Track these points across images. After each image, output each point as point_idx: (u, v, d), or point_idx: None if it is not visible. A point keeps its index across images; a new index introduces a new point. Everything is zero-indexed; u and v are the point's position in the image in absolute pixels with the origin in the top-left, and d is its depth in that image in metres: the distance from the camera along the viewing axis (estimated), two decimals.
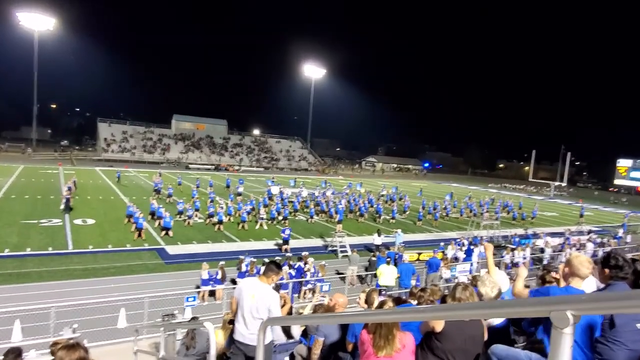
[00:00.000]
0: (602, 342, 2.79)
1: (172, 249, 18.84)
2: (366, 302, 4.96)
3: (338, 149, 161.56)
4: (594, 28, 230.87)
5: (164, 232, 20.80)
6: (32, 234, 19.42)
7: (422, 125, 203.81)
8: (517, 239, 23.07)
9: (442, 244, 20.73)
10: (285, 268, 14.48)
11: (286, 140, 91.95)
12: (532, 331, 4.74)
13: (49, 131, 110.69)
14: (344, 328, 4.46)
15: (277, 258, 15.53)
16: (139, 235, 19.86)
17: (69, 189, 27.23)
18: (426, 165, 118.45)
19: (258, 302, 4.42)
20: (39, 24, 62.22)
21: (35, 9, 61.76)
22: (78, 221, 22.51)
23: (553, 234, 26.69)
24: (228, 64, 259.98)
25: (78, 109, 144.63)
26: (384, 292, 11.38)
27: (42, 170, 45.07)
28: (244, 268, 14.65)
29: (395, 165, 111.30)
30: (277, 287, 13.97)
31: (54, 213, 23.85)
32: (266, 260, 15.72)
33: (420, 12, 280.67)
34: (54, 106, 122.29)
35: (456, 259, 18.71)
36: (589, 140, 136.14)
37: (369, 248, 20.79)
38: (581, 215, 36.28)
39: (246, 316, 4.45)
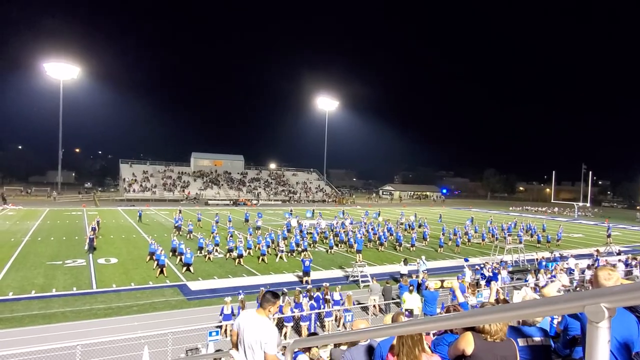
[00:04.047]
0: None
1: (193, 285, 18.85)
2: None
3: (354, 179, 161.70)
4: (609, 43, 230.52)
5: (185, 268, 20.87)
6: (58, 274, 19.73)
7: (437, 152, 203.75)
8: (543, 263, 22.35)
9: (464, 269, 20.23)
10: (305, 300, 14.30)
11: (303, 172, 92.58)
12: (568, 354, 4.55)
13: (73, 174, 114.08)
14: (370, 354, 4.37)
15: (297, 289, 15.40)
16: (161, 272, 19.97)
17: (93, 229, 27.76)
18: (444, 191, 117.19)
19: (255, 336, 4.13)
20: (64, 73, 65.39)
21: (60, 59, 65.12)
22: (102, 260, 22.81)
23: (581, 256, 25.82)
24: (242, 100, 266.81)
25: (100, 152, 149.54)
26: (407, 314, 11.10)
27: (67, 212, 46.19)
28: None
29: (412, 193, 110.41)
30: (297, 320, 13.79)
31: (78, 253, 24.26)
32: (285, 291, 15.64)
33: (430, 39, 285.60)
34: (77, 150, 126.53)
35: (477, 284, 18.20)
36: (611, 158, 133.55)
37: (394, 277, 20.40)
38: (609, 235, 35.12)
39: (247, 351, 4.19)
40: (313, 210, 49.66)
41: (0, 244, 26.48)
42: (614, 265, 20.96)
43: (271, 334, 4.12)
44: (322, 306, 14.45)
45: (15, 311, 14.69)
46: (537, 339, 3.68)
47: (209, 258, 23.61)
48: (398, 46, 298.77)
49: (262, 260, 23.57)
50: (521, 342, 3.65)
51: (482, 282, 18.60)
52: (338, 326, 14.35)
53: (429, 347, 3.62)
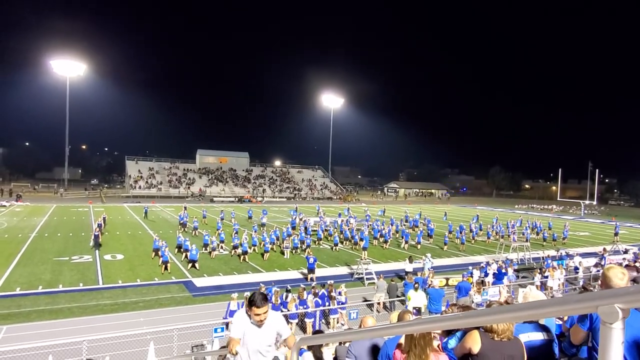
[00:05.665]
0: None
1: (198, 282, 18.93)
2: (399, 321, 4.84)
3: (359, 177, 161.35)
4: (613, 40, 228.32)
5: (190, 265, 20.96)
6: (64, 270, 19.87)
7: (443, 150, 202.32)
8: (549, 261, 22.21)
9: (470, 267, 20.17)
10: (310, 297, 14.32)
11: (308, 169, 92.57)
12: (574, 353, 4.51)
13: (80, 171, 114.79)
14: (375, 351, 4.35)
15: (301, 285, 15.45)
16: (165, 268, 20.06)
17: (99, 225, 27.92)
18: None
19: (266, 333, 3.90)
20: (70, 70, 65.65)
21: (67, 56, 65.40)
22: (108, 257, 22.94)
23: (587, 254, 25.63)
24: (248, 98, 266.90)
25: (107, 149, 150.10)
26: (414, 312, 11.07)
27: (74, 209, 46.48)
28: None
29: (418, 190, 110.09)
30: (301, 317, 13.82)
31: (84, 250, 24.42)
32: (289, 288, 15.67)
33: (435, 37, 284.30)
34: (84, 147, 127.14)
35: (483, 283, 18.12)
36: (617, 156, 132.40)
37: (399, 275, 20.36)
38: (616, 234, 34.84)
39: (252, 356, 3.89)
40: (320, 206, 49.70)
41: (8, 239, 26.73)
42: (620, 264, 20.77)
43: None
44: (326, 303, 14.47)
45: (22, 306, 14.83)
46: (540, 337, 3.66)
47: (214, 255, 23.69)
48: (402, 44, 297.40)
49: (267, 257, 23.62)
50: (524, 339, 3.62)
51: (487, 280, 18.54)
52: (343, 325, 14.34)
53: (439, 346, 3.60)
